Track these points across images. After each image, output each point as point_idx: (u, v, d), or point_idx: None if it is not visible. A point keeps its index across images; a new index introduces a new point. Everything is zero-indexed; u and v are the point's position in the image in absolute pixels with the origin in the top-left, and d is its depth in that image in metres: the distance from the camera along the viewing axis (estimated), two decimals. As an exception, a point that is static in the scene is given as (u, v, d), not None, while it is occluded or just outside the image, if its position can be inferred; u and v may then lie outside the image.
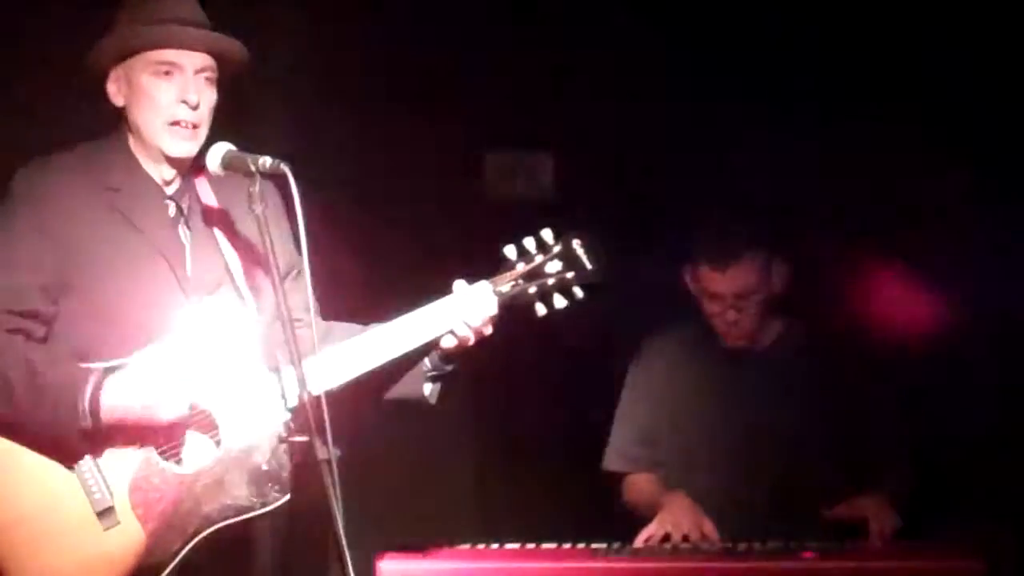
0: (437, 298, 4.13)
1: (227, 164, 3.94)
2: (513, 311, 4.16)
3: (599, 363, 5.46)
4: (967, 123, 5.57)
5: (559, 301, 4.17)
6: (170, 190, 4.09)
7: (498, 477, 5.83)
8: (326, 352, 3.93)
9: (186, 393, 3.89)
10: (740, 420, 4.94)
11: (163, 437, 3.93)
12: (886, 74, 5.67)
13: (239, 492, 3.93)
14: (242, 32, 4.14)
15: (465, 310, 4.10)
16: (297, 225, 3.73)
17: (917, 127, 5.58)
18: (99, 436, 3.89)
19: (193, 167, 4.09)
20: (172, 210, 4.08)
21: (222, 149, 3.96)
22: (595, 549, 4.50)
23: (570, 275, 4.17)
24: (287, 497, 3.95)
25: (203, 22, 4.07)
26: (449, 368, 4.18)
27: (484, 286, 4.13)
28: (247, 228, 4.04)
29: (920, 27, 5.61)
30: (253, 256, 4.05)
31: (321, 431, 3.68)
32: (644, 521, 4.79)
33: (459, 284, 4.13)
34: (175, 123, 4.01)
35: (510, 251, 4.18)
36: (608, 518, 5.03)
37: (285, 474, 3.95)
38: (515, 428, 5.84)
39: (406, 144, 5.75)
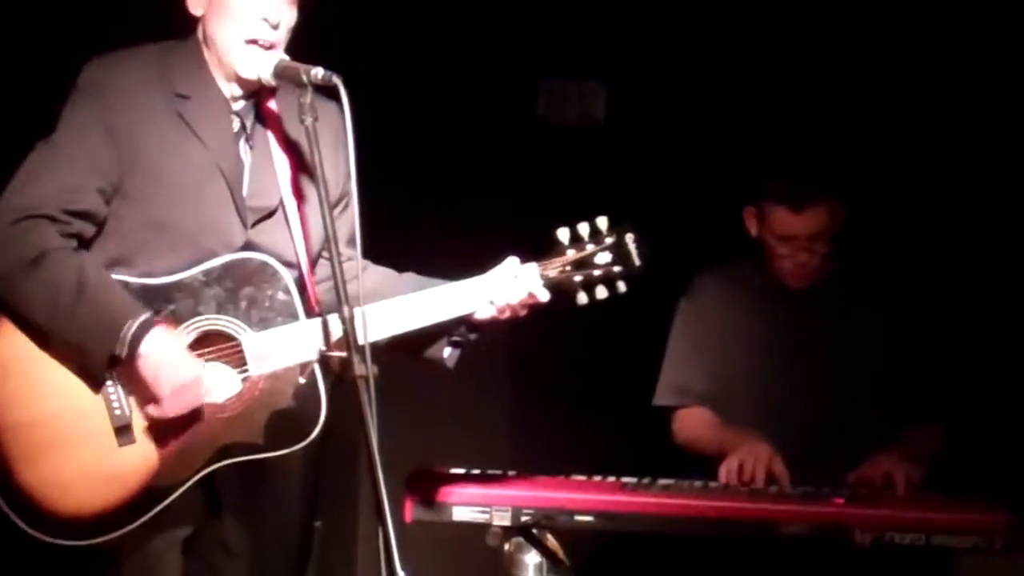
0: (480, 237, 4.15)
1: (279, 73, 3.92)
2: (555, 297, 4.16)
3: (646, 295, 5.43)
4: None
5: (601, 292, 4.18)
6: (237, 106, 4.05)
7: (536, 410, 5.85)
8: (371, 307, 3.91)
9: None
10: (791, 359, 4.95)
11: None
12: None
13: (258, 431, 3.94)
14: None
15: (510, 289, 4.10)
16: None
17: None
18: (124, 369, 3.89)
19: (262, 87, 4.03)
20: (236, 125, 4.05)
21: (275, 58, 3.94)
22: (625, 482, 4.53)
23: (617, 269, 4.17)
24: (306, 443, 3.96)
25: None
26: (472, 336, 4.19)
27: (532, 268, 4.13)
28: (305, 153, 4.00)
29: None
30: (309, 183, 4.02)
31: (359, 348, 3.68)
32: (695, 457, 4.82)
33: (511, 260, 4.13)
34: (252, 41, 3.96)
35: (562, 234, 4.17)
36: (644, 455, 5.03)
37: (311, 419, 3.94)
38: (554, 361, 5.84)
39: (460, 68, 5.73)
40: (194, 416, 3.91)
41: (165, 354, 3.87)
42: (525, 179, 5.75)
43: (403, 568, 3.60)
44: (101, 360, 3.86)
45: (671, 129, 5.83)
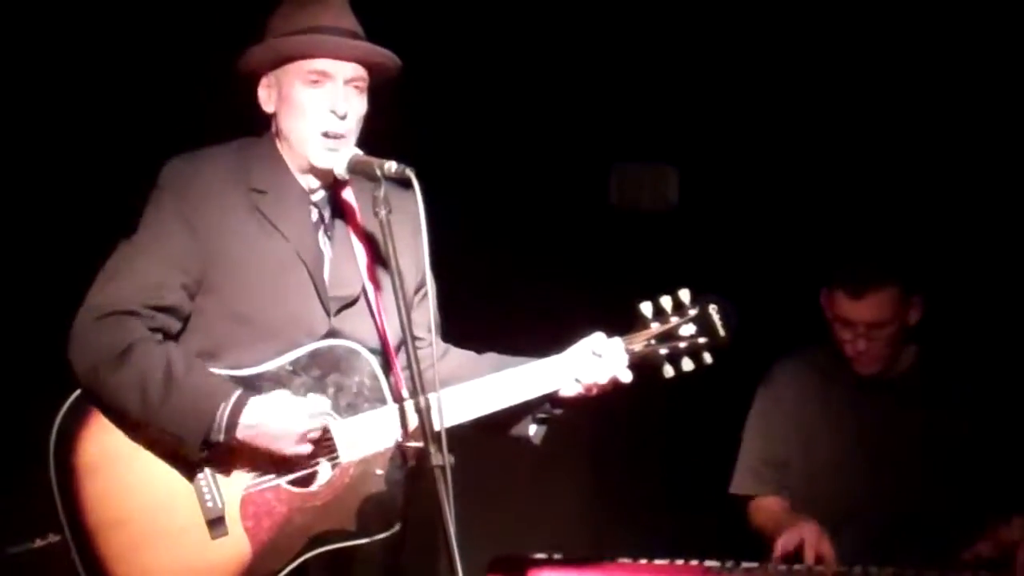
0: (558, 319, 4.15)
1: (352, 167, 3.97)
2: (640, 370, 4.15)
3: (726, 381, 5.43)
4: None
5: (687, 365, 4.17)
6: (315, 197, 4.09)
7: (611, 493, 5.83)
8: (452, 390, 3.95)
9: (315, 432, 3.91)
10: (868, 448, 4.92)
11: (283, 468, 3.94)
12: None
13: (350, 518, 3.94)
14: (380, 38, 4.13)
15: (594, 366, 4.10)
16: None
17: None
18: (219, 453, 3.91)
19: (337, 179, 4.07)
20: (315, 216, 4.08)
21: (349, 153, 3.98)
22: (708, 566, 4.50)
23: (703, 340, 4.17)
24: (396, 529, 3.96)
25: (356, 31, 4.06)
26: (558, 412, 4.18)
27: (617, 343, 4.13)
28: (381, 244, 4.00)
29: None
30: (386, 272, 4.02)
31: (436, 437, 3.70)
32: (769, 545, 4.78)
33: (597, 336, 4.13)
34: (324, 134, 4.00)
35: (646, 308, 4.17)
36: (722, 541, 5.01)
37: (397, 506, 3.96)
38: (633, 444, 5.83)
39: (534, 155, 5.78)
40: (288, 502, 3.92)
41: (268, 419, 3.87)
42: (603, 262, 5.77)
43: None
44: (195, 446, 3.87)
45: (746, 210, 5.84)
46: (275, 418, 3.88)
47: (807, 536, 4.66)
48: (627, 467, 5.85)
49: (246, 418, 3.87)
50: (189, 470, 3.92)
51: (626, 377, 4.13)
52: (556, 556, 4.55)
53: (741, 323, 4.99)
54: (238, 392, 3.88)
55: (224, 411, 3.85)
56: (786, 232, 5.79)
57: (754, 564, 4.54)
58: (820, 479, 4.95)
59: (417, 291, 4.10)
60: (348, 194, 4.12)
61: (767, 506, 5.00)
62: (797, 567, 4.58)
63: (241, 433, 3.87)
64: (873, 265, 4.88)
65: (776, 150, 5.82)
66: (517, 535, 5.21)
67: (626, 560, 4.56)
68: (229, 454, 3.92)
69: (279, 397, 3.91)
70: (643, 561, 4.56)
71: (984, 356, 5.10)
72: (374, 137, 4.10)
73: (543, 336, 4.22)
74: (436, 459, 3.69)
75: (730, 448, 5.13)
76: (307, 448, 3.92)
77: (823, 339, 5.00)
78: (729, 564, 4.52)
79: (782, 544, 4.67)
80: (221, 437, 3.86)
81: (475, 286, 5.48)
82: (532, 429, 4.19)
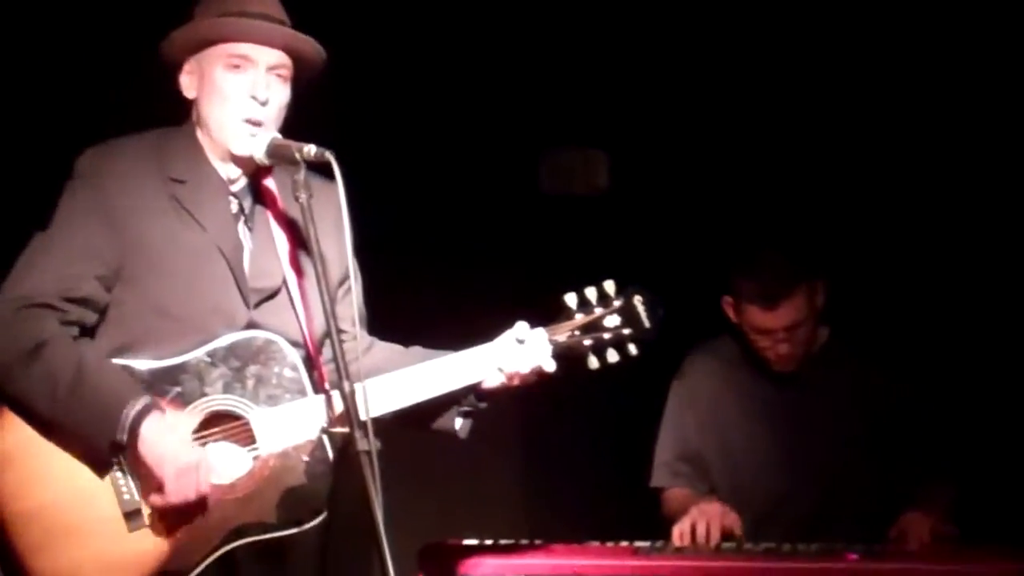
0: (488, 308, 4.14)
1: (272, 152, 3.94)
2: (565, 361, 4.14)
3: (660, 366, 5.44)
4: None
5: (612, 356, 4.15)
6: (235, 187, 4.06)
7: (546, 479, 5.84)
8: (374, 381, 3.93)
9: (188, 495, 3.85)
10: (785, 436, 4.95)
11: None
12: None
13: (270, 510, 3.92)
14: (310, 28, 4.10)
15: (518, 355, 4.09)
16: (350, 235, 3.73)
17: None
18: (127, 455, 3.88)
19: (259, 167, 4.04)
20: (234, 207, 4.05)
21: (268, 137, 3.95)
22: (638, 547, 4.51)
23: (627, 331, 4.15)
24: (320, 519, 3.93)
25: (282, 19, 4.03)
26: (483, 406, 4.17)
27: (540, 333, 4.11)
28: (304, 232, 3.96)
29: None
30: (309, 262, 3.99)
31: (361, 423, 3.68)
32: None
33: (520, 326, 4.11)
34: (244, 120, 3.97)
35: (570, 299, 4.15)
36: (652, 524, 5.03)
37: (321, 496, 3.93)
38: (564, 429, 5.85)
39: (463, 141, 5.77)
40: (202, 499, 3.88)
41: (165, 439, 3.85)
42: (530, 250, 5.77)
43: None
44: (103, 447, 3.85)
45: (678, 195, 5.86)
46: (172, 443, 3.85)
47: (710, 513, 4.68)
48: (558, 453, 5.85)
49: (150, 424, 3.84)
50: (102, 467, 3.89)
51: (550, 367, 4.11)
52: (487, 542, 4.56)
53: (674, 308, 5.01)
54: (145, 399, 3.85)
55: (130, 411, 3.83)
56: (718, 217, 5.81)
57: (683, 544, 4.56)
58: (740, 470, 4.98)
59: (341, 283, 4.08)
60: (270, 183, 4.09)
61: (675, 496, 5.02)
62: (726, 545, 4.61)
63: (140, 443, 3.84)
64: (780, 274, 4.87)
65: (707, 134, 5.83)
66: (449, 522, 5.20)
67: (557, 544, 4.57)
68: (136, 458, 3.88)
69: (180, 425, 3.89)
70: (574, 544, 4.56)
71: (893, 335, 5.13)
72: (299, 124, 4.07)
73: (472, 326, 4.19)
74: (362, 444, 3.67)
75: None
76: (183, 489, 3.84)
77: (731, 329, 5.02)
78: (659, 544, 4.54)
79: (678, 529, 4.69)
80: (125, 439, 3.83)
81: (402, 276, 5.48)
82: (458, 423, 4.17)
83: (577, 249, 5.70)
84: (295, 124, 4.07)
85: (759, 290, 4.86)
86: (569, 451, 5.85)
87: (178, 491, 3.84)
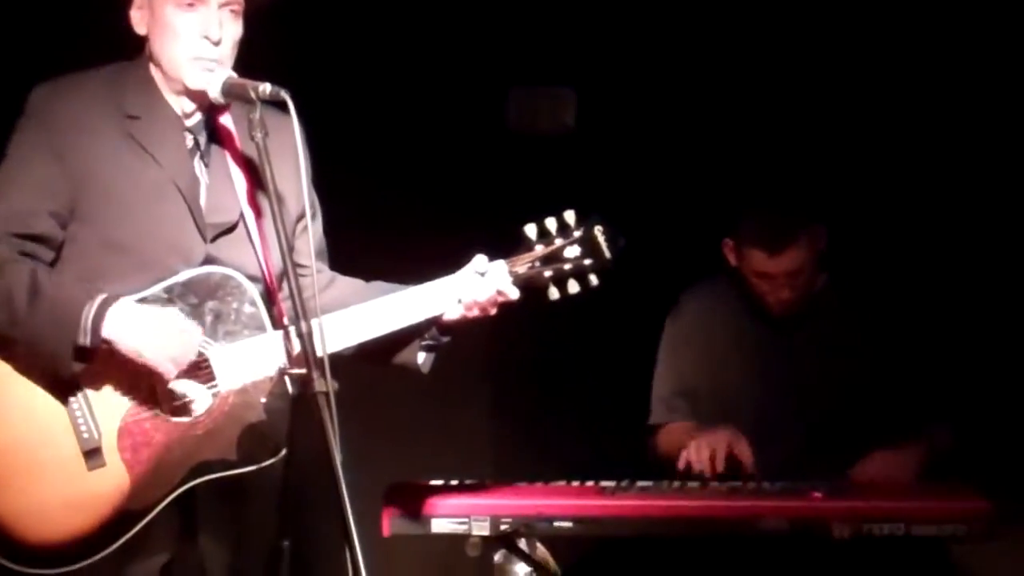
0: (453, 246, 4.10)
1: (227, 91, 3.89)
2: (525, 293, 4.10)
3: (622, 298, 5.41)
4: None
5: (572, 287, 4.11)
6: (190, 123, 4.02)
7: (516, 419, 5.82)
8: (332, 316, 3.90)
9: (187, 355, 3.85)
10: (779, 374, 4.95)
11: (147, 389, 3.89)
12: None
13: (230, 447, 3.90)
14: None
15: (477, 286, 4.05)
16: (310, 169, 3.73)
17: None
18: (94, 362, 3.84)
19: (215, 104, 3.99)
20: (190, 142, 4.01)
21: (224, 75, 3.91)
22: (603, 486, 4.51)
23: (588, 262, 4.11)
24: (280, 457, 3.91)
25: None
26: (445, 339, 4.14)
27: (500, 266, 4.08)
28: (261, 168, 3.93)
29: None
30: (266, 198, 3.92)
31: (319, 363, 3.66)
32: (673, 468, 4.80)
33: (479, 258, 4.08)
34: (197, 59, 3.93)
35: (530, 230, 4.11)
36: (627, 460, 5.02)
37: (280, 433, 3.91)
38: (533, 369, 5.83)
39: (430, 79, 5.72)
40: (166, 431, 3.87)
41: (135, 320, 3.82)
42: (498, 189, 5.73)
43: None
44: (66, 355, 3.81)
45: (645, 133, 5.81)
46: (143, 319, 3.83)
47: (718, 440, 4.68)
48: (528, 392, 5.83)
49: (113, 314, 3.81)
50: (64, 394, 3.86)
51: (514, 294, 4.08)
52: (453, 482, 4.54)
53: (641, 246, 4.98)
54: (103, 295, 3.83)
55: (90, 310, 3.80)
56: (687, 155, 5.77)
57: (648, 483, 4.55)
58: (730, 409, 4.96)
59: (300, 219, 4.04)
60: (227, 120, 4.05)
61: (675, 429, 5.01)
62: (691, 483, 4.60)
63: (107, 330, 3.80)
64: (786, 219, 4.86)
65: (675, 70, 5.79)
66: (417, 461, 5.19)
67: (522, 484, 4.56)
68: (102, 372, 3.86)
69: (144, 310, 3.86)
70: (539, 484, 4.56)
71: (889, 279, 5.11)
72: (260, 58, 4.02)
73: (438, 263, 4.16)
74: (319, 385, 3.64)
75: (629, 373, 5.14)
76: (174, 363, 3.84)
77: (727, 268, 5.00)
78: (624, 483, 4.53)
79: (684, 455, 4.69)
80: (88, 340, 3.79)
81: (369, 213, 5.45)
82: (420, 357, 4.14)
83: (543, 188, 5.66)
84: (253, 59, 4.02)
85: (764, 235, 4.85)
86: (540, 390, 5.82)
87: (170, 360, 3.82)
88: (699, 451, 4.70)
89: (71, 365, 3.83)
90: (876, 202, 5.66)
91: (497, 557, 4.51)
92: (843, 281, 5.03)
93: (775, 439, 4.86)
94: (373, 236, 5.28)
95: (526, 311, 4.15)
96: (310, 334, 3.69)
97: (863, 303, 4.98)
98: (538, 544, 4.53)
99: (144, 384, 3.89)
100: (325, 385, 3.64)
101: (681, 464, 4.70)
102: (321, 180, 4.16)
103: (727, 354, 5.02)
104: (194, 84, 3.95)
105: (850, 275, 5.04)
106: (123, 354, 3.84)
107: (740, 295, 5.00)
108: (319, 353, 3.68)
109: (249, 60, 4.02)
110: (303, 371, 3.69)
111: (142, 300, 3.90)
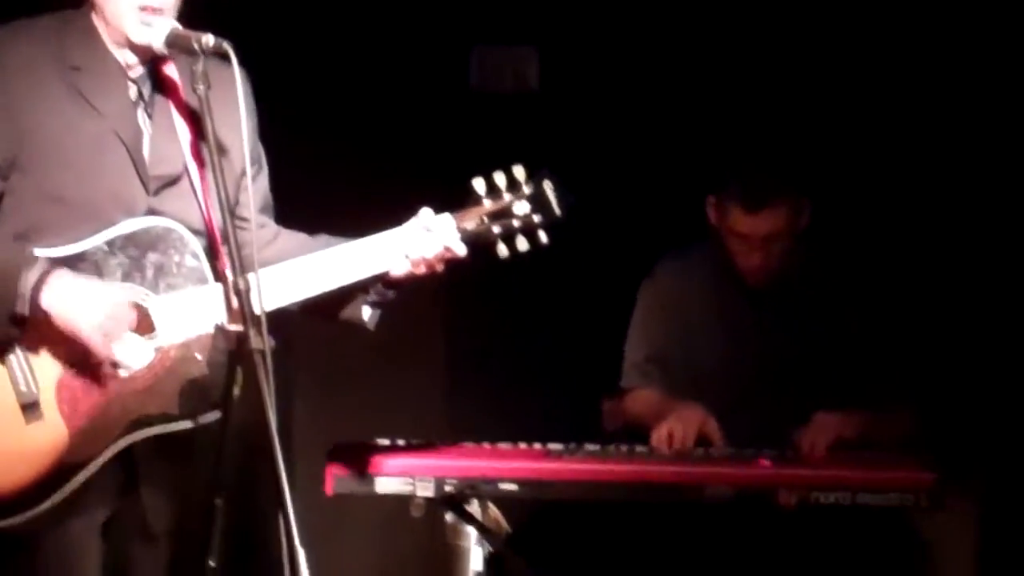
0: (411, 203, 4.04)
1: (171, 42, 3.85)
2: (474, 249, 4.03)
3: (579, 257, 5.38)
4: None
5: (522, 244, 4.03)
6: (133, 74, 3.97)
7: (468, 380, 5.80)
8: (274, 270, 3.86)
9: (123, 330, 3.81)
10: (749, 351, 4.93)
11: (84, 358, 3.84)
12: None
13: (171, 402, 3.86)
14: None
15: (424, 241, 4.00)
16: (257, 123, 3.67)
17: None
18: (29, 328, 3.81)
19: (157, 54, 3.94)
20: (134, 94, 3.96)
21: (167, 26, 3.86)
22: (550, 449, 4.48)
23: (537, 218, 4.03)
24: (219, 414, 3.86)
25: None
26: (391, 295, 4.08)
27: (447, 220, 4.02)
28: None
29: None
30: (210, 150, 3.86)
31: (256, 320, 3.61)
32: (646, 434, 4.77)
33: (425, 212, 4.02)
34: (141, 8, 3.86)
35: (479, 185, 4.03)
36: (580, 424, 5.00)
37: (220, 388, 3.83)
38: (486, 330, 5.80)
39: (392, 37, 5.68)
40: (105, 385, 3.83)
41: (73, 295, 3.77)
42: (459, 147, 5.69)
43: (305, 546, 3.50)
44: (2, 321, 3.77)
45: (609, 92, 5.77)
46: (81, 294, 3.78)
47: (689, 419, 4.66)
48: (484, 351, 5.80)
49: (51, 287, 3.76)
50: (2, 352, 3.82)
51: (460, 250, 4.03)
52: (399, 442, 4.52)
53: (601, 207, 4.95)
54: (41, 263, 3.78)
55: (28, 279, 3.75)
56: (651, 114, 5.73)
57: (596, 446, 4.53)
58: (702, 375, 4.94)
59: (244, 173, 3.99)
60: (171, 70, 4.00)
61: (645, 396, 4.99)
62: (639, 448, 4.58)
63: (46, 302, 3.77)
64: (772, 177, 4.84)
65: (641, 29, 5.74)
66: (366, 422, 5.16)
67: (469, 444, 4.53)
68: (39, 336, 3.82)
69: (89, 279, 3.82)
70: (486, 445, 4.54)
71: (870, 261, 5.09)
72: (218, 12, 3.97)
73: (392, 220, 4.10)
74: (255, 343, 3.58)
75: (586, 335, 5.09)
76: (111, 339, 3.80)
77: (700, 233, 4.98)
78: (572, 446, 4.51)
79: (655, 434, 4.66)
80: (26, 310, 3.76)
81: (324, 169, 5.41)
82: (366, 313, 4.08)
83: (506, 147, 5.61)
84: (210, 8, 3.97)
85: (746, 192, 4.82)
86: (496, 349, 5.80)
87: (108, 331, 3.77)
88: (670, 431, 4.66)
89: (7, 329, 3.80)
90: (863, 181, 5.62)
91: (448, 516, 4.48)
92: (823, 259, 5.00)
93: (745, 409, 4.85)
94: (328, 192, 5.25)
95: (482, 270, 4.11)
96: (247, 290, 3.63)
97: (841, 283, 4.96)
98: (490, 504, 4.50)
99: (71, 338, 3.84)
100: (261, 342, 3.59)
101: (653, 444, 4.66)
102: (273, 134, 4.12)
103: (701, 324, 4.99)
104: (136, 37, 3.90)
105: (830, 254, 5.02)
106: (59, 326, 3.80)
107: (715, 266, 4.97)
108: (256, 310, 3.63)
109: (205, 10, 3.96)
110: (239, 327, 3.64)
111: (83, 253, 3.85)
